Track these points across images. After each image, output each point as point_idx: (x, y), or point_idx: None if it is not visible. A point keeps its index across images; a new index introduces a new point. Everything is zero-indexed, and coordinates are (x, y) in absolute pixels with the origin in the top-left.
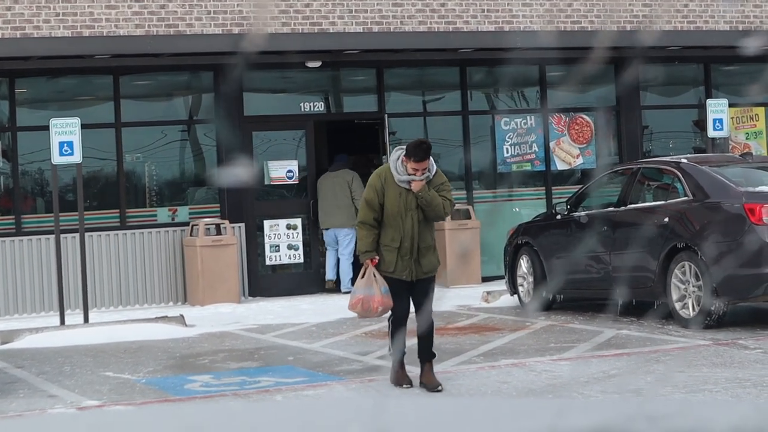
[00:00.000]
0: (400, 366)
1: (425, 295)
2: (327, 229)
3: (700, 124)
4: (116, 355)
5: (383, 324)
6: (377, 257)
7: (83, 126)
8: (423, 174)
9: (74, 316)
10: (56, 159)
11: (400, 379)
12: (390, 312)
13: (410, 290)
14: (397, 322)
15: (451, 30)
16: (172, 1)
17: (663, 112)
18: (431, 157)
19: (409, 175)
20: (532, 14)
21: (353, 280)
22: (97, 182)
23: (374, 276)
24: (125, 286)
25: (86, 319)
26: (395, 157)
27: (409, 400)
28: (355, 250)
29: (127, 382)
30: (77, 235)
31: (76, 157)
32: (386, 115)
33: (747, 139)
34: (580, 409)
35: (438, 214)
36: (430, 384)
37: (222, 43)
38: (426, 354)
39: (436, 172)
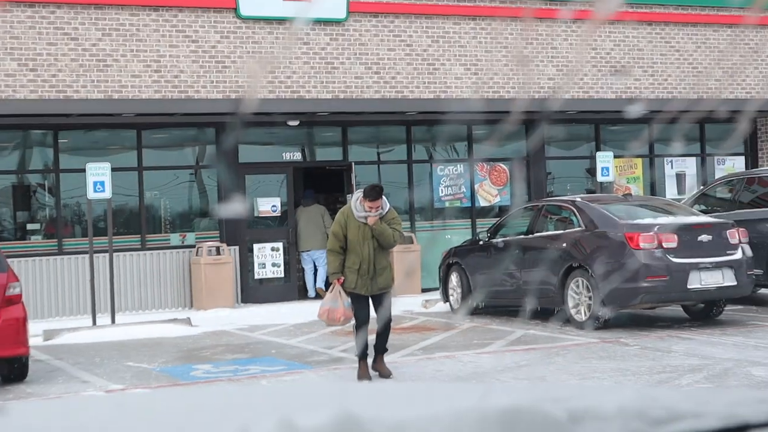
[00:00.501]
0: (363, 361)
1: (381, 305)
2: (306, 251)
3: (591, 172)
4: (136, 349)
5: (346, 325)
6: (343, 277)
7: (113, 169)
8: (377, 211)
9: (103, 318)
10: (91, 195)
11: (363, 374)
12: (353, 319)
13: (368, 302)
14: (360, 328)
15: (400, 97)
16: (184, 72)
17: (562, 162)
18: (384, 197)
19: (366, 211)
20: (462, 86)
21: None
22: (123, 213)
23: (340, 293)
24: (144, 295)
25: (113, 320)
26: (355, 198)
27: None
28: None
29: (144, 370)
30: (107, 254)
31: (107, 194)
32: (353, 163)
33: (628, 182)
34: (500, 392)
35: (389, 242)
36: (382, 372)
37: (222, 106)
38: (380, 348)
39: (388, 210)
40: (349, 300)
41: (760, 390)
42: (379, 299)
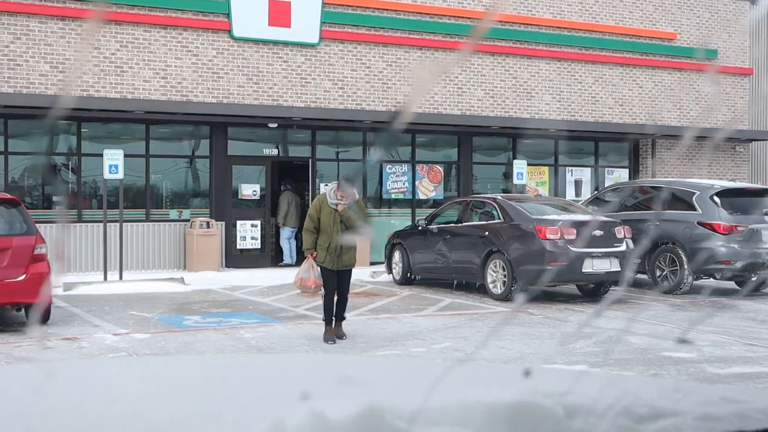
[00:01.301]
0: (329, 326)
1: (345, 280)
2: (286, 226)
3: (507, 175)
4: (139, 301)
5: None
6: (315, 252)
7: (125, 155)
8: (347, 201)
9: (113, 275)
10: (106, 175)
11: (328, 337)
12: (322, 289)
13: (336, 274)
14: (327, 297)
15: (359, 109)
16: (186, 79)
17: (485, 167)
18: (354, 190)
19: (338, 200)
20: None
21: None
22: (132, 191)
23: (312, 265)
24: (147, 257)
25: (121, 277)
26: (330, 188)
27: (365, 360)
28: (299, 244)
29: (145, 318)
30: (118, 224)
31: (120, 175)
32: (310, 160)
33: (537, 185)
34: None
35: (354, 226)
36: (339, 334)
37: (215, 108)
38: (339, 315)
39: (357, 200)
40: (320, 271)
41: (722, 386)
42: (343, 274)
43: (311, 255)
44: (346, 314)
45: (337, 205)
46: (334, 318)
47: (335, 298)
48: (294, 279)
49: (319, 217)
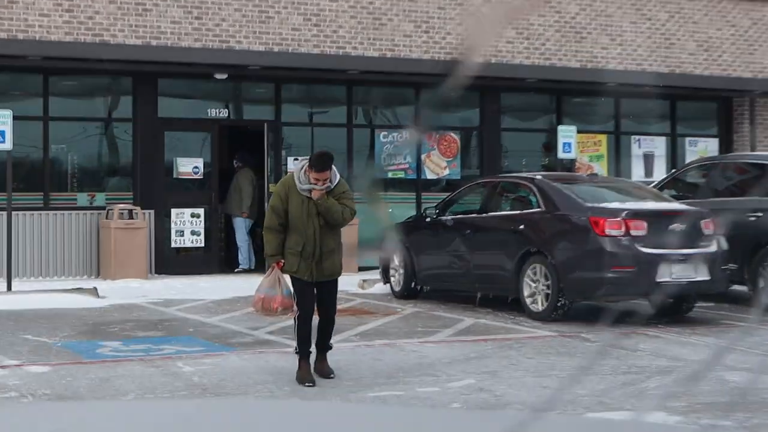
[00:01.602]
0: (304, 361)
1: (328, 295)
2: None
3: (548, 147)
4: (35, 321)
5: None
6: (282, 260)
7: (14, 117)
8: (324, 184)
9: None
10: None
11: (304, 377)
12: (296, 310)
13: (314, 288)
14: (303, 320)
15: (341, 54)
16: (99, 13)
17: (518, 135)
18: (333, 168)
19: (311, 184)
20: (411, 44)
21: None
22: (24, 167)
23: (278, 279)
24: (45, 260)
25: (9, 287)
26: (299, 167)
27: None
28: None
29: (44, 344)
30: (4, 213)
31: (7, 145)
32: (266, 123)
33: (591, 161)
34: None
35: (337, 221)
36: (324, 372)
37: (141, 53)
38: (323, 345)
39: (338, 182)
40: (288, 289)
41: None
42: (326, 289)
43: (277, 264)
44: (333, 341)
45: (310, 191)
46: (314, 349)
47: (315, 320)
48: (253, 299)
49: (286, 209)
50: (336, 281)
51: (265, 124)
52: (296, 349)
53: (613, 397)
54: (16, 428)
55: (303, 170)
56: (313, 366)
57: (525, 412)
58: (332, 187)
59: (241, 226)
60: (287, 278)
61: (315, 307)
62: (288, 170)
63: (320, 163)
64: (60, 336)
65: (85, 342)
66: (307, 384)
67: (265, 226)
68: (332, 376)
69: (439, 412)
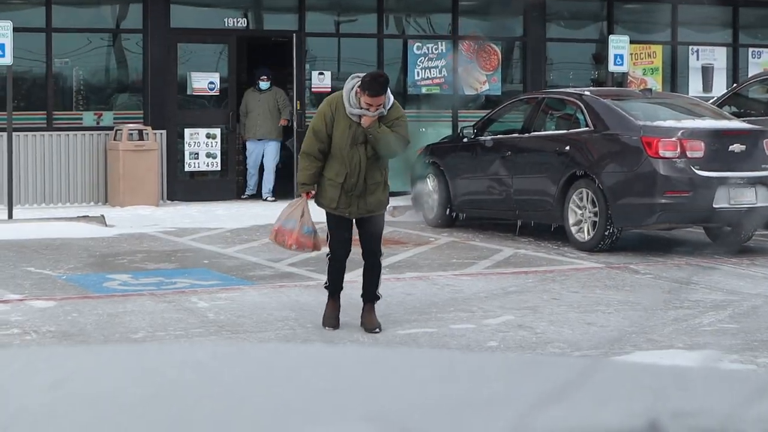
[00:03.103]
0: (332, 302)
1: (372, 234)
2: (259, 139)
3: (598, 58)
4: (38, 251)
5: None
6: (314, 191)
7: (14, 29)
8: (377, 110)
9: None
10: None
11: (327, 318)
12: (328, 249)
13: (352, 226)
14: (336, 263)
15: None
16: None
17: (565, 45)
18: (389, 92)
19: (362, 109)
20: None
21: (274, 190)
22: (25, 84)
23: (302, 212)
24: (49, 185)
25: (10, 215)
26: (349, 87)
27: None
28: (279, 163)
29: (48, 277)
30: (4, 134)
31: (7, 59)
32: (294, 34)
33: (644, 74)
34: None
35: (389, 151)
36: (370, 325)
37: None
38: (369, 295)
39: (392, 106)
40: (310, 226)
41: None
42: (367, 225)
43: (307, 194)
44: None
45: (360, 116)
46: (362, 295)
47: (353, 260)
48: (271, 228)
49: (330, 134)
50: (382, 216)
51: (294, 35)
52: (326, 283)
53: (663, 334)
54: (15, 376)
55: (354, 90)
56: (361, 317)
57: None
58: (385, 112)
59: (276, 150)
60: (314, 212)
61: (350, 248)
62: (312, 86)
63: (375, 86)
64: (65, 268)
65: (92, 275)
66: (327, 327)
67: (303, 150)
68: (377, 330)
69: (475, 356)
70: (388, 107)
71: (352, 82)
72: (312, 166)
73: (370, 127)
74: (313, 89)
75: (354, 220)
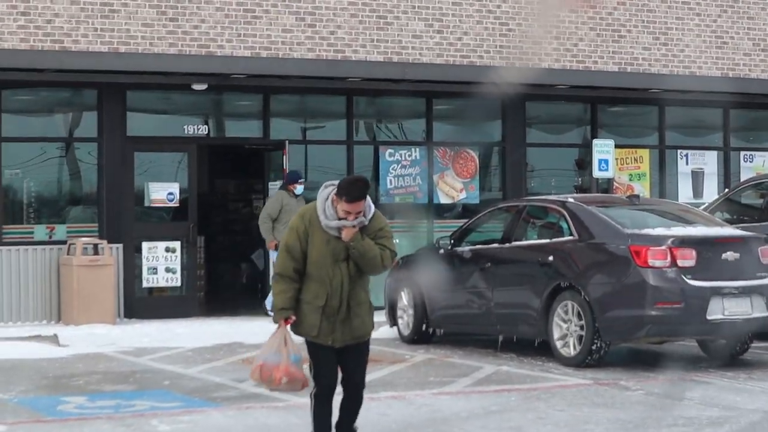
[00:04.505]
0: None
1: (356, 362)
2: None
3: (581, 164)
4: None
5: None
6: (293, 317)
7: None
8: (356, 218)
9: None
10: None
11: None
12: (312, 384)
13: (338, 356)
14: (321, 397)
15: (340, 58)
16: (60, 15)
17: (546, 150)
18: (368, 198)
19: (340, 219)
20: (421, 46)
21: None
22: None
23: (285, 339)
24: None
25: None
26: (324, 196)
27: None
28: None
29: None
30: None
31: None
32: (287, 141)
33: (631, 180)
34: None
35: (375, 267)
36: None
37: (107, 61)
38: (346, 429)
39: (373, 216)
40: (297, 353)
41: None
42: (354, 354)
43: (285, 321)
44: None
45: (339, 229)
46: (336, 425)
47: (333, 395)
48: (252, 366)
49: (305, 251)
50: (367, 343)
51: (287, 143)
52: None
53: None
54: None
55: (329, 200)
56: None
57: None
58: (366, 221)
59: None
60: (296, 338)
61: (336, 379)
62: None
63: (353, 190)
64: (16, 391)
65: (45, 397)
66: None
67: (277, 272)
68: None
69: None
70: (369, 216)
71: (327, 191)
72: (289, 288)
73: (353, 240)
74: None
75: (337, 350)
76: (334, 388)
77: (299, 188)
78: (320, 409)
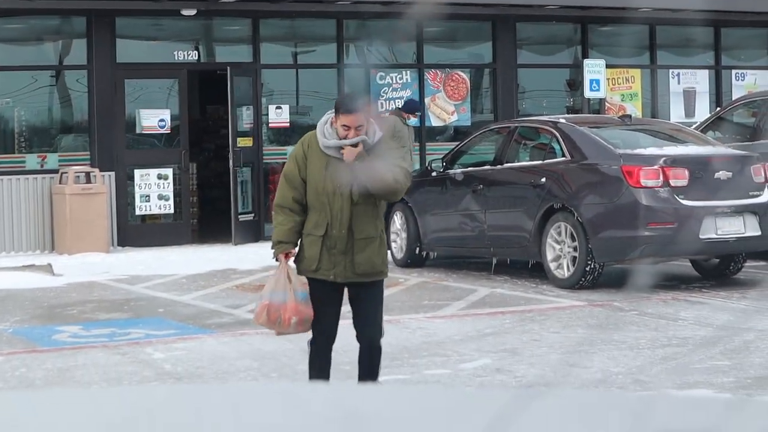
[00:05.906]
0: None
1: (366, 306)
2: None
3: (573, 84)
4: None
5: (255, 276)
6: (294, 250)
7: None
8: (357, 134)
9: None
10: None
11: None
12: (310, 328)
13: (341, 298)
14: (320, 347)
15: None
16: None
17: (537, 71)
18: (375, 123)
19: (340, 138)
20: None
21: None
22: None
23: (289, 276)
24: None
25: None
26: (324, 120)
27: None
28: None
29: None
30: None
31: None
32: (228, 67)
33: (622, 100)
34: None
35: (385, 188)
36: None
37: None
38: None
39: (387, 130)
40: (303, 290)
41: None
42: (362, 300)
43: (285, 255)
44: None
45: (339, 148)
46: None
47: (331, 346)
48: (256, 309)
49: (304, 179)
50: (379, 288)
51: (228, 68)
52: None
53: (651, 374)
54: None
55: (328, 123)
56: None
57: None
58: (369, 140)
59: None
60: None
61: (337, 325)
62: (269, 122)
63: (348, 102)
64: (11, 321)
65: (40, 327)
66: None
67: (276, 202)
68: None
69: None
70: (376, 135)
71: (327, 116)
72: (288, 220)
73: (359, 158)
74: (270, 124)
75: (346, 293)
76: (332, 339)
77: (413, 120)
78: (315, 360)
